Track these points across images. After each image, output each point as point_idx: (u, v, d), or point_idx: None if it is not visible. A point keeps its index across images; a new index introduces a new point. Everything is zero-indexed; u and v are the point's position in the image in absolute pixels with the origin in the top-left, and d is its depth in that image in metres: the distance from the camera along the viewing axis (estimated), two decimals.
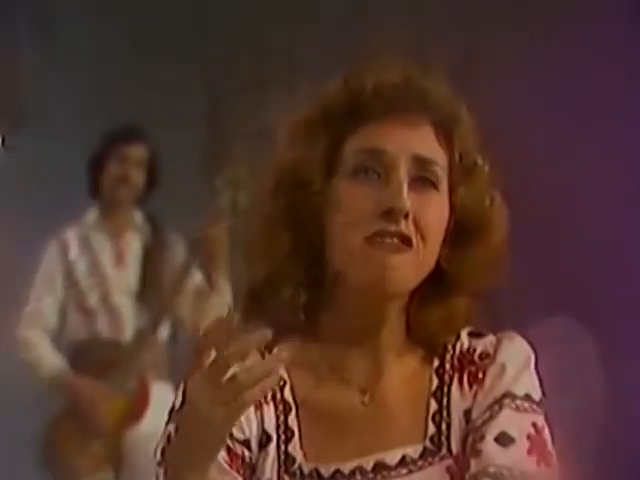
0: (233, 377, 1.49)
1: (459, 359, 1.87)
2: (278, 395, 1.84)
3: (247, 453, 1.80)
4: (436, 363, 1.86)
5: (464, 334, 1.88)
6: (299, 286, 1.83)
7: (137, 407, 4.45)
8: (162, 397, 4.29)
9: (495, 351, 1.83)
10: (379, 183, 1.77)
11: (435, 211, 1.79)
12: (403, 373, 1.87)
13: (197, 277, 4.57)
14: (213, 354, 1.51)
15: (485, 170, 1.87)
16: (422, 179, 1.77)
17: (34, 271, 4.89)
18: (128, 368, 4.67)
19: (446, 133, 1.83)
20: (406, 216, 1.73)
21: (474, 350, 1.86)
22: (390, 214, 1.73)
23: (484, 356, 1.84)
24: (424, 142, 1.81)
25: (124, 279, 4.89)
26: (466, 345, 1.87)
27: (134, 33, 6.10)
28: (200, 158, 5.69)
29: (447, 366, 1.87)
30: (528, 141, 5.76)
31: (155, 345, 4.76)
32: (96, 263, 4.90)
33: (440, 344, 1.88)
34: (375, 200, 1.76)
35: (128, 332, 4.81)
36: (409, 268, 1.75)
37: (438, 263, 1.81)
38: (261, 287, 1.85)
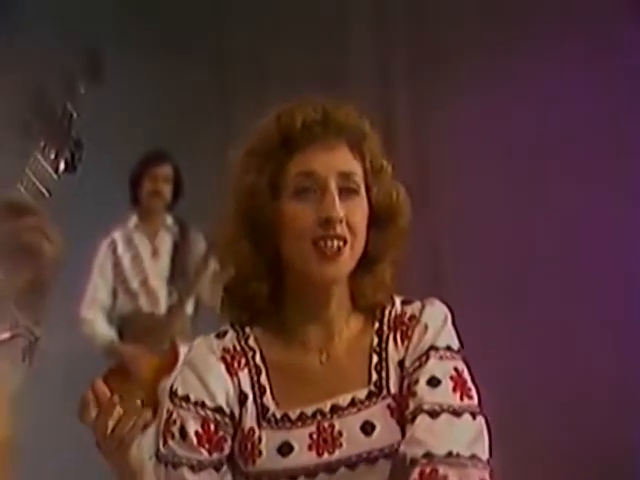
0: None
1: (393, 321, 2.02)
2: (251, 362, 1.98)
3: (221, 418, 1.93)
4: (376, 325, 2.02)
5: (398, 302, 2.04)
6: (261, 280, 1.98)
7: (168, 364, 4.21)
8: None
9: (420, 314, 2.00)
10: (315, 198, 1.92)
11: (359, 212, 1.96)
12: (350, 336, 2.02)
13: (214, 265, 4.58)
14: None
15: (389, 170, 2.05)
16: (347, 189, 1.95)
17: (91, 265, 5.23)
18: (162, 335, 4.98)
19: (358, 148, 1.99)
20: (340, 221, 1.91)
21: (405, 314, 2.01)
22: (328, 222, 1.90)
23: (412, 318, 2.00)
24: (344, 160, 1.97)
25: (158, 268, 5.27)
26: (399, 310, 2.03)
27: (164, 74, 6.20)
28: (217, 172, 5.60)
29: (384, 327, 2.02)
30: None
31: (182, 317, 5.12)
32: (137, 256, 5.28)
33: (377, 305, 2.04)
34: (315, 212, 1.92)
35: (162, 307, 5.19)
36: (347, 259, 1.94)
37: (366, 245, 1.98)
38: (232, 283, 2.02)
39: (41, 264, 1.72)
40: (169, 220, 5.35)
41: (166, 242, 5.32)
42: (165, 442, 1.93)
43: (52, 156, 1.79)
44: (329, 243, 1.90)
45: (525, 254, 5.60)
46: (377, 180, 2.01)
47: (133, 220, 5.34)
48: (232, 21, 6.52)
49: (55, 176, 1.78)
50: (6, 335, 1.62)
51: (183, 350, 4.68)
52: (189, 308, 5.18)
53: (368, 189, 1.99)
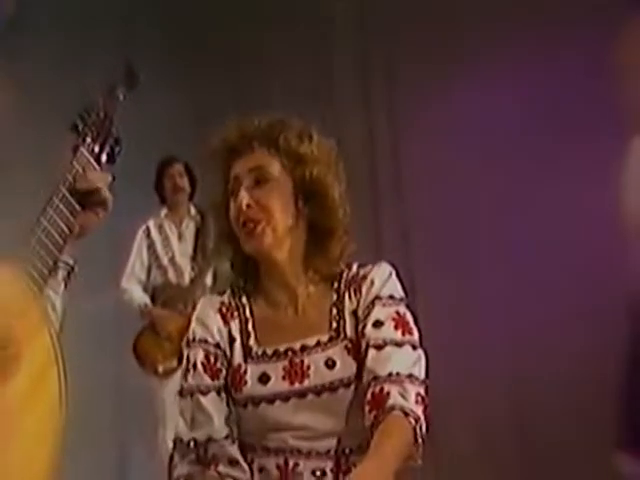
0: None
1: (349, 281, 2.04)
2: (241, 315, 2.03)
3: (219, 353, 1.99)
4: (335, 285, 2.05)
5: (355, 266, 2.06)
6: (233, 260, 2.08)
7: (190, 324, 4.52)
8: None
9: (369, 272, 2.03)
10: (237, 195, 1.99)
11: (272, 195, 1.98)
12: (312, 295, 2.04)
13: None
14: None
15: (306, 156, 2.02)
16: (259, 180, 1.98)
17: (131, 247, 5.22)
18: (186, 301, 4.98)
19: (275, 147, 2.00)
20: (248, 207, 1.95)
21: (358, 274, 2.04)
22: (240, 210, 1.97)
23: (363, 277, 2.03)
24: (255, 159, 2.00)
25: (183, 248, 5.20)
26: (354, 272, 2.05)
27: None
28: None
29: (342, 286, 2.04)
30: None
31: (202, 286, 5.05)
32: (166, 239, 5.23)
33: (334, 271, 2.05)
34: (236, 206, 1.98)
35: (186, 279, 5.15)
36: (264, 234, 1.97)
37: (312, 222, 2.01)
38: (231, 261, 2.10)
39: (94, 220, 1.78)
40: (192, 210, 5.30)
41: (190, 228, 5.27)
42: (185, 378, 2.00)
43: (96, 150, 1.82)
44: (245, 225, 1.97)
45: (489, 237, 5.23)
46: (298, 163, 2.02)
47: (164, 211, 5.32)
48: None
49: (98, 167, 1.80)
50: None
51: None
52: (208, 279, 5.13)
53: (291, 172, 2.02)
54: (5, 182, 4.74)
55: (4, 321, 1.55)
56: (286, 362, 1.95)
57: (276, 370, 1.95)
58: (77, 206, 1.73)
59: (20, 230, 1.68)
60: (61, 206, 1.70)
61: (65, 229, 1.69)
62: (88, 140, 1.81)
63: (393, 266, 2.05)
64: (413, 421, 1.80)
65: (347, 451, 1.91)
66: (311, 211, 2.02)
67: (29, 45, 5.22)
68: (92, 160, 1.80)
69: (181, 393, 2.00)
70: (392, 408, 1.81)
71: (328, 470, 1.91)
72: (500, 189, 5.13)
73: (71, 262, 1.77)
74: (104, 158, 1.84)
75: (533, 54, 5.02)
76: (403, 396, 1.83)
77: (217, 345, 1.99)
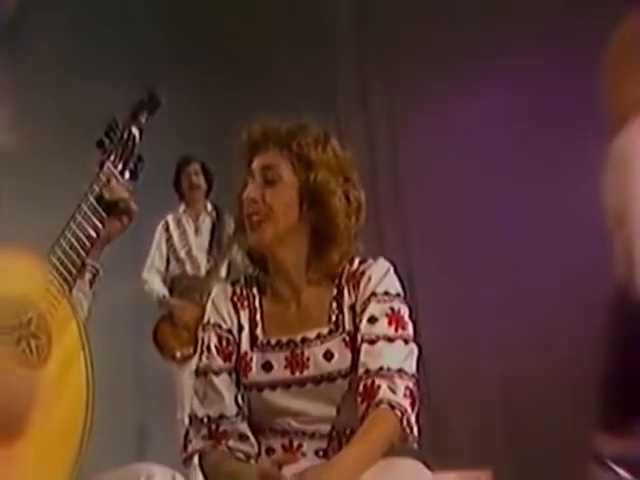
0: None
1: (349, 276, 2.01)
2: (251, 304, 2.03)
3: (230, 337, 2.00)
4: (336, 280, 2.02)
5: (356, 261, 2.03)
6: (249, 249, 2.06)
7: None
8: None
9: (367, 268, 2.01)
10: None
11: (278, 195, 1.96)
12: (313, 290, 2.02)
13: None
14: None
15: (315, 161, 1.98)
16: (269, 180, 1.96)
17: (152, 240, 5.21)
18: (202, 291, 4.95)
19: (288, 150, 1.98)
20: (254, 202, 1.95)
21: (358, 270, 2.01)
22: (247, 202, 1.97)
23: (362, 273, 2.00)
24: (269, 158, 1.98)
25: (200, 242, 5.19)
26: (355, 268, 2.02)
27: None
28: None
29: (342, 281, 2.02)
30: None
31: (218, 278, 5.03)
32: (184, 233, 5.22)
33: (334, 272, 2.02)
34: (244, 197, 1.98)
35: (202, 271, 5.14)
36: (266, 230, 1.96)
37: (315, 227, 1.98)
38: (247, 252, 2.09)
39: (118, 227, 1.84)
40: (209, 206, 5.29)
41: (206, 222, 5.26)
42: (200, 359, 2.02)
43: (120, 167, 1.88)
44: (249, 218, 1.97)
45: (484, 238, 5.20)
46: (307, 168, 1.99)
47: (182, 207, 5.31)
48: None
49: (122, 181, 1.86)
50: None
51: None
52: (222, 272, 5.15)
53: (299, 176, 1.99)
54: (37, 191, 4.81)
55: (38, 315, 1.63)
56: (288, 352, 1.96)
57: (278, 359, 1.96)
58: (103, 213, 1.80)
59: (51, 234, 1.74)
60: (89, 213, 1.77)
61: (92, 234, 1.77)
62: (112, 157, 1.87)
63: (391, 263, 2.03)
64: (399, 413, 1.82)
65: (348, 432, 1.91)
66: (313, 215, 2.00)
67: (57, 67, 5.31)
68: (117, 173, 1.86)
69: (196, 373, 2.02)
70: (380, 402, 1.82)
71: (330, 450, 1.92)
72: (495, 190, 5.09)
73: (97, 266, 1.83)
74: (127, 175, 1.90)
75: (527, 61, 4.96)
76: (392, 390, 1.84)
77: (229, 330, 2.00)
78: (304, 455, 1.92)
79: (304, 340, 1.97)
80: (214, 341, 1.99)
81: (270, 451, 1.95)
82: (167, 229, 5.25)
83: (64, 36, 5.51)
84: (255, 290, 2.06)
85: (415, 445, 1.87)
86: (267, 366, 1.97)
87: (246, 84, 5.84)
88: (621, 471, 2.14)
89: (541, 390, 4.84)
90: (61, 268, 1.69)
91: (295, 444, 1.93)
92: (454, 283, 5.16)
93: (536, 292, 4.89)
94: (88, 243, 1.74)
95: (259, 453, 1.95)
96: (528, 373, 4.94)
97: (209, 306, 2.05)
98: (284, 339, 1.98)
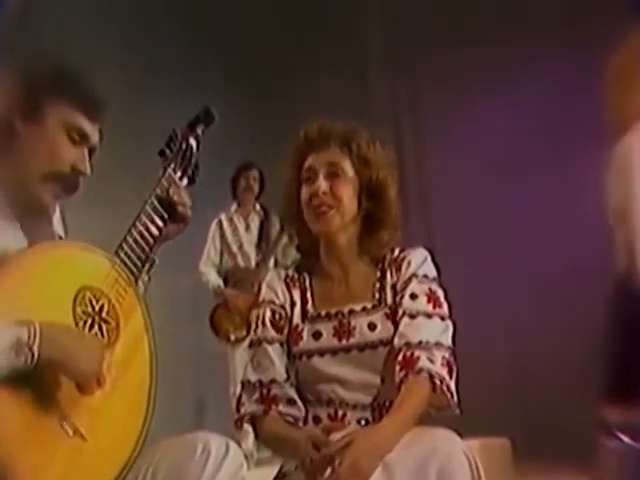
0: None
1: (391, 261, 2.05)
2: (302, 284, 2.06)
3: (282, 312, 2.02)
4: (379, 265, 2.06)
5: (397, 250, 2.06)
6: (298, 240, 2.09)
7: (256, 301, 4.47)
8: None
9: (407, 255, 2.04)
10: (311, 183, 2.00)
11: (342, 187, 1.99)
12: (360, 271, 2.06)
13: (285, 237, 4.21)
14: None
15: (376, 161, 2.03)
16: (332, 173, 1.99)
17: (207, 236, 5.23)
18: (253, 281, 4.94)
19: (348, 149, 2.02)
20: (324, 193, 1.97)
21: (399, 256, 2.04)
22: (315, 194, 1.98)
23: (403, 259, 2.03)
24: (331, 155, 2.00)
25: (250, 237, 5.22)
26: (396, 255, 2.05)
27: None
28: None
29: (385, 265, 2.05)
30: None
31: (266, 269, 4.88)
32: (236, 230, 5.24)
33: (381, 254, 2.05)
34: (310, 192, 1.99)
35: (252, 263, 5.17)
36: (333, 218, 1.98)
37: (369, 214, 2.02)
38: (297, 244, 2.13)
39: (176, 228, 1.87)
40: (257, 206, 5.33)
41: (255, 221, 5.30)
42: (255, 332, 2.03)
43: (179, 174, 1.91)
44: (317, 208, 1.98)
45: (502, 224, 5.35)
46: (365, 165, 2.02)
47: (234, 206, 5.35)
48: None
49: (181, 186, 1.89)
50: None
51: None
52: (270, 263, 5.16)
53: (358, 172, 2.02)
54: (106, 196, 4.85)
55: (109, 303, 1.67)
56: (336, 322, 1.97)
57: (327, 328, 1.97)
58: (164, 214, 1.83)
59: (119, 232, 1.79)
60: (152, 214, 1.81)
61: (155, 232, 1.81)
62: (172, 165, 1.90)
63: (429, 251, 2.06)
64: (438, 381, 1.83)
65: (387, 403, 1.91)
66: (370, 206, 2.02)
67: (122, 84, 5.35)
68: (176, 179, 1.89)
69: (250, 344, 2.03)
70: (420, 370, 1.83)
71: (371, 419, 1.93)
72: (511, 189, 5.18)
73: (155, 257, 1.87)
74: (185, 181, 1.92)
75: (543, 75, 5.03)
76: (431, 360, 1.85)
77: (282, 306, 2.01)
78: (348, 424, 1.92)
79: (351, 312, 1.98)
80: (268, 315, 2.00)
81: (317, 419, 1.96)
82: (220, 226, 5.26)
83: (128, 54, 5.57)
84: (305, 274, 2.07)
85: (457, 410, 1.88)
86: (317, 335, 1.98)
87: (288, 101, 5.86)
88: (626, 438, 2.16)
89: (553, 364, 4.91)
90: (128, 262, 1.73)
91: (340, 413, 1.93)
92: (470, 266, 5.24)
93: (550, 276, 4.97)
94: (151, 240, 1.78)
95: (306, 421, 1.96)
96: (540, 349, 5.03)
97: (264, 287, 2.06)
98: (333, 311, 1.99)
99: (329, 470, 1.69)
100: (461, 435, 1.77)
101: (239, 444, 1.68)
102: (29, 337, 1.42)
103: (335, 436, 1.76)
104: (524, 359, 5.19)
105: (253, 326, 2.03)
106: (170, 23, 6.04)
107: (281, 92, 6.16)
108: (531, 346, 5.15)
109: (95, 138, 1.73)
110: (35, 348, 1.43)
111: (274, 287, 2.03)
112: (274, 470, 1.98)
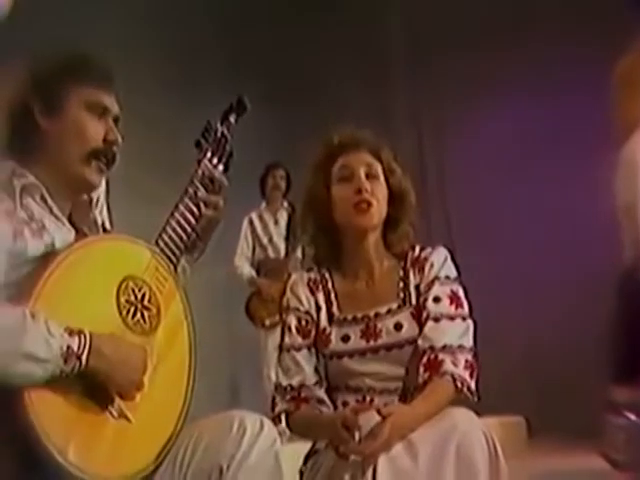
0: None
1: (413, 261, 1.99)
2: (325, 287, 2.00)
3: (308, 318, 1.97)
4: (402, 264, 2.00)
5: (417, 249, 2.01)
6: (321, 242, 2.02)
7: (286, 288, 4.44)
8: None
9: (429, 255, 1.99)
10: (350, 181, 1.96)
11: (378, 188, 1.97)
12: (386, 270, 2.01)
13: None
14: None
15: (399, 169, 2.04)
16: (370, 175, 1.97)
17: (240, 232, 5.27)
18: (283, 271, 4.98)
19: (377, 154, 2.01)
20: (366, 190, 1.94)
21: (420, 256, 1.99)
22: (360, 191, 1.94)
23: (425, 259, 1.98)
24: (367, 158, 1.99)
25: (279, 231, 5.24)
26: (417, 254, 2.00)
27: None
28: None
29: (408, 265, 2.00)
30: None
31: (295, 260, 5.09)
32: (265, 225, 5.27)
33: (403, 253, 2.01)
34: (351, 188, 1.95)
35: (282, 255, 5.20)
36: (374, 214, 1.95)
37: (390, 213, 2.00)
38: (306, 242, 2.09)
39: (214, 214, 1.84)
40: (285, 203, 5.35)
41: (283, 215, 5.31)
42: (282, 339, 2.00)
43: (214, 162, 1.87)
44: (362, 205, 1.94)
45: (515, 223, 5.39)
46: (391, 174, 2.02)
47: (263, 204, 5.38)
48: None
49: (217, 174, 1.85)
50: None
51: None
52: (298, 254, 5.16)
53: (387, 178, 2.01)
54: (144, 188, 4.87)
55: (150, 290, 1.66)
56: (363, 326, 1.93)
57: (355, 332, 1.93)
58: (201, 203, 1.80)
59: (159, 222, 1.77)
60: (190, 204, 1.78)
61: (193, 221, 1.78)
62: (208, 155, 1.87)
63: (449, 251, 2.00)
64: (460, 383, 1.82)
65: (412, 389, 1.89)
66: (394, 209, 2.01)
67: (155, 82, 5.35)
68: (212, 169, 1.86)
69: (280, 349, 2.00)
70: (445, 373, 1.81)
71: (399, 402, 1.91)
72: (520, 194, 5.22)
73: (204, 246, 1.86)
74: (221, 168, 1.89)
75: (553, 84, 5.07)
76: (454, 364, 1.83)
77: (307, 312, 1.97)
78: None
79: (377, 315, 1.94)
80: (294, 322, 1.96)
81: (345, 404, 1.94)
82: (251, 223, 5.30)
83: (164, 54, 5.55)
84: (327, 274, 2.02)
85: (475, 399, 1.87)
86: (345, 338, 1.94)
87: (315, 109, 5.86)
88: (632, 416, 2.17)
89: (567, 348, 4.91)
90: (167, 251, 1.71)
91: (367, 399, 1.92)
92: (486, 261, 5.22)
93: (565, 267, 5.03)
94: (189, 229, 1.75)
95: (335, 408, 1.94)
96: (555, 334, 5.05)
97: (288, 292, 2.01)
98: (359, 315, 1.95)
99: (357, 437, 1.69)
100: (479, 414, 1.75)
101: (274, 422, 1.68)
102: (79, 347, 1.43)
103: (364, 417, 1.74)
104: (539, 343, 5.19)
105: (281, 332, 2.00)
106: (205, 24, 6.02)
107: (309, 97, 6.19)
108: (546, 331, 5.15)
109: (116, 107, 1.70)
110: (83, 358, 1.44)
111: (298, 294, 1.99)
112: (306, 446, 1.98)
